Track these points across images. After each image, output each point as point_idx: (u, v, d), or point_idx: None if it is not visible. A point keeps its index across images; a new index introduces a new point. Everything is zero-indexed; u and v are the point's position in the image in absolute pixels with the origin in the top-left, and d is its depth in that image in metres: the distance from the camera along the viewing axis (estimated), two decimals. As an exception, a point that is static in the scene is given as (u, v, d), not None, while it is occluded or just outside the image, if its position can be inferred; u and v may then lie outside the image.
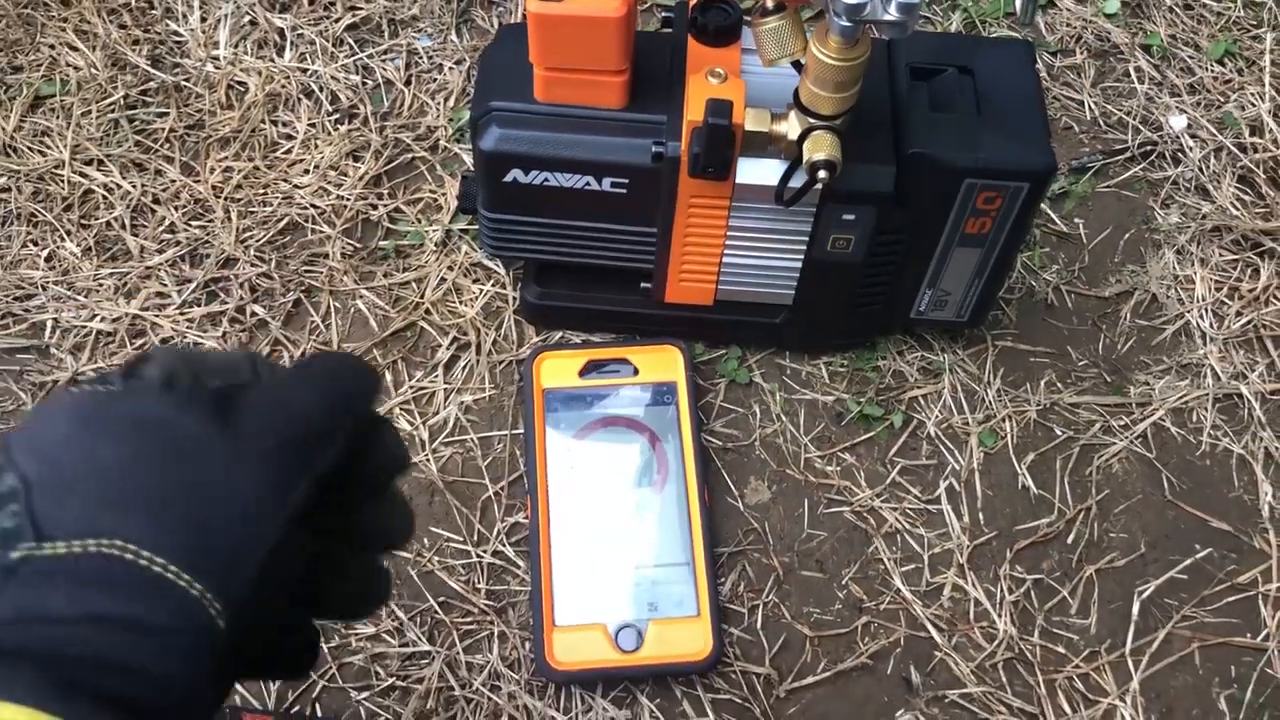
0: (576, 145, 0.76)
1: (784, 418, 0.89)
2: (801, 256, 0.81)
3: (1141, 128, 1.04)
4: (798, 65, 0.70)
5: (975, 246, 0.80)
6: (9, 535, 0.27)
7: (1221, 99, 1.06)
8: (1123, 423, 0.91)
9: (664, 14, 0.83)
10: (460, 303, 0.91)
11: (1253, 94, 1.06)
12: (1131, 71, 1.08)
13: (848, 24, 0.60)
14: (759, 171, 0.75)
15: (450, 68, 1.04)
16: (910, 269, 0.83)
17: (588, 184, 0.77)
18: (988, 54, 0.79)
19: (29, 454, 0.29)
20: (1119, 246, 0.99)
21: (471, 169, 0.88)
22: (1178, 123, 1.03)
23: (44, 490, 0.27)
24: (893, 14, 0.59)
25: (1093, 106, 1.06)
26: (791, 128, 0.72)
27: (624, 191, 0.78)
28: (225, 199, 0.95)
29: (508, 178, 0.78)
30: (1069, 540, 0.86)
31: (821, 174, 0.70)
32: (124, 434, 0.29)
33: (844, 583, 0.83)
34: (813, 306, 0.85)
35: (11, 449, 0.29)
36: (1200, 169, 1.02)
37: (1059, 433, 0.90)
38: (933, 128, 0.75)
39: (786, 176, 0.74)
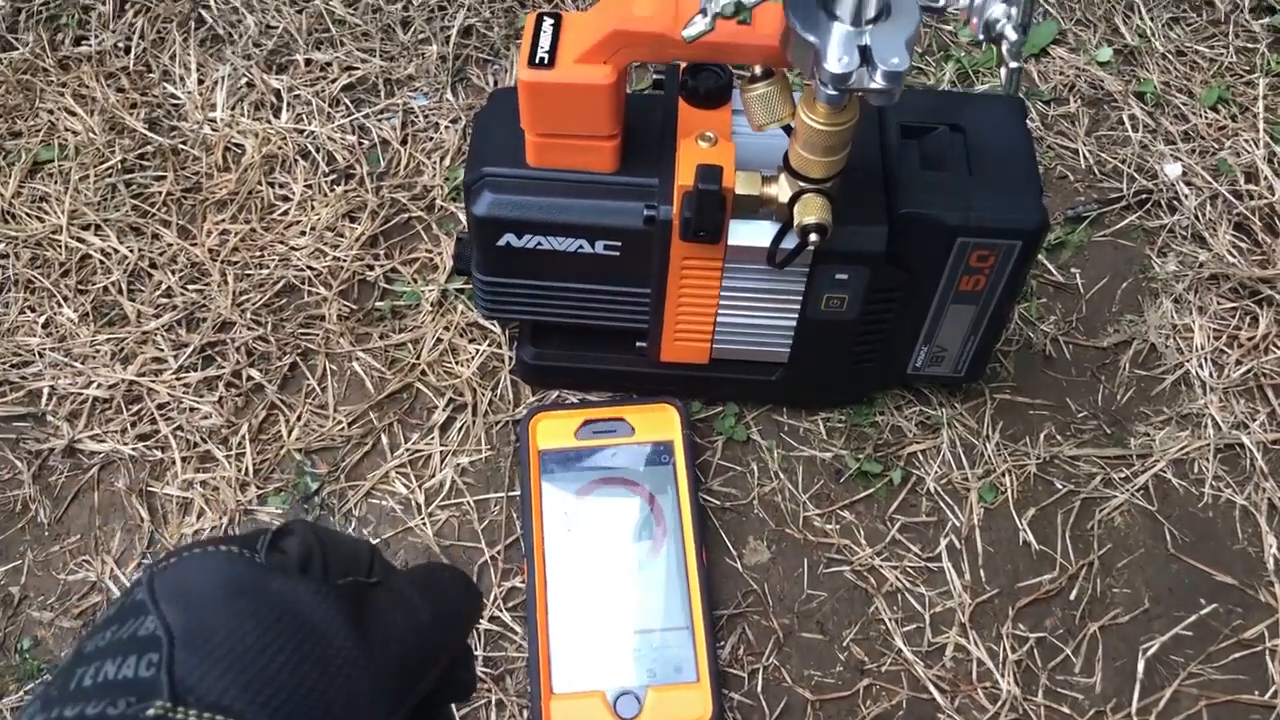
0: (569, 209, 0.76)
1: (782, 475, 0.88)
2: (796, 315, 0.80)
3: (1137, 176, 1.04)
4: (788, 129, 0.70)
5: (970, 303, 0.80)
6: (145, 687, 0.27)
7: (1216, 145, 1.06)
8: (1123, 475, 0.90)
9: (656, 74, 0.83)
10: (456, 363, 0.91)
11: (1247, 140, 1.06)
12: (1125, 119, 1.08)
13: (834, 93, 0.60)
14: (751, 233, 0.75)
15: (446, 126, 1.05)
16: (905, 326, 0.82)
17: (581, 247, 0.77)
18: (978, 111, 0.79)
19: (176, 604, 0.29)
20: (1116, 296, 0.99)
21: (466, 230, 0.88)
22: (1173, 170, 1.03)
23: (187, 649, 0.27)
24: (879, 82, 0.59)
25: (1087, 155, 1.06)
26: (782, 191, 0.72)
27: (617, 254, 0.78)
28: (222, 262, 0.95)
29: (501, 242, 0.78)
30: (1071, 596, 0.85)
31: (813, 237, 0.70)
32: (268, 617, 0.29)
33: (845, 644, 0.82)
34: (809, 364, 0.85)
35: (158, 591, 0.29)
36: (1196, 216, 1.02)
37: (1059, 486, 0.89)
38: (924, 187, 0.75)
39: (778, 238, 0.74)
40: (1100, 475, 0.90)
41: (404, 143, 1.04)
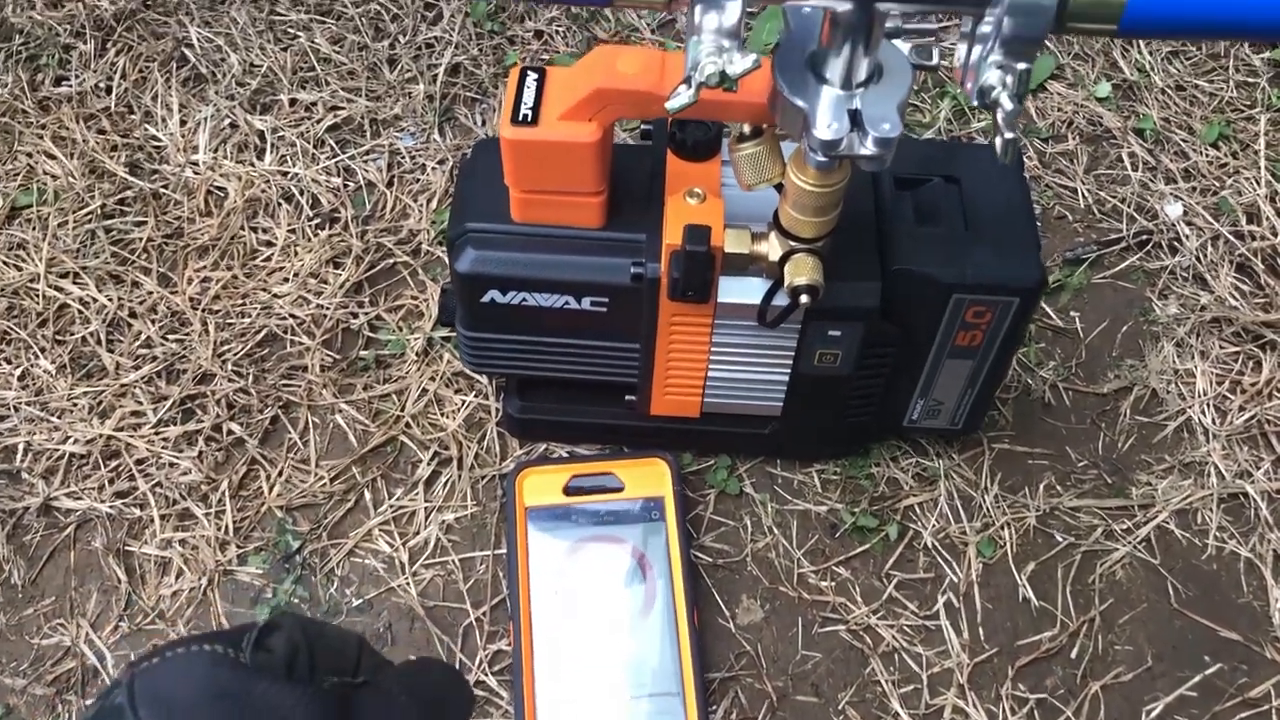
0: (554, 266, 0.74)
1: (776, 530, 0.86)
2: (788, 370, 0.78)
3: (1137, 216, 1.02)
4: (779, 186, 0.68)
5: (967, 358, 0.78)
6: None
7: (1217, 184, 1.04)
8: (1125, 526, 0.88)
9: (644, 125, 0.81)
10: (442, 415, 0.89)
11: (1248, 178, 1.04)
12: (1125, 157, 1.06)
13: (823, 160, 0.58)
14: (741, 290, 0.73)
15: (433, 168, 1.03)
16: (901, 380, 0.80)
17: (567, 303, 0.75)
18: (974, 162, 0.77)
19: (156, 711, 0.29)
20: (1117, 340, 0.97)
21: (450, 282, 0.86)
22: (1173, 210, 1.02)
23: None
24: (870, 148, 0.57)
25: (1086, 194, 1.04)
26: (773, 249, 0.70)
27: (604, 310, 0.76)
28: (203, 311, 0.93)
29: (485, 298, 0.76)
30: (1073, 655, 0.83)
31: (804, 299, 0.68)
32: None
33: (840, 707, 0.80)
34: (802, 417, 0.83)
35: (137, 692, 0.29)
36: (1198, 258, 1.00)
37: (1059, 539, 0.87)
38: (918, 242, 0.73)
39: (769, 297, 0.72)
40: (1101, 527, 0.88)
41: (390, 184, 1.02)
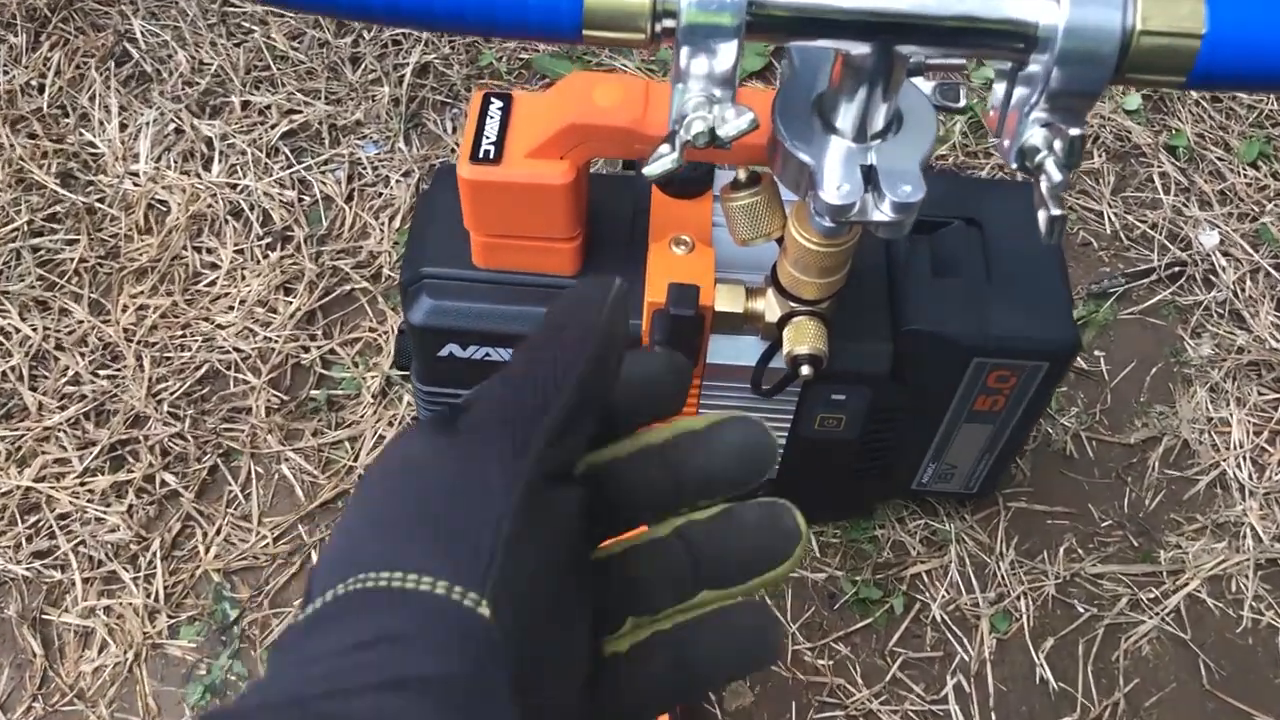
0: (522, 319, 0.65)
1: (769, 601, 0.78)
2: (785, 434, 0.70)
3: (1169, 245, 0.93)
4: (779, 239, 0.59)
5: (986, 423, 0.69)
6: (278, 642, 0.27)
7: (1256, 209, 0.95)
8: (1152, 595, 0.80)
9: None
10: (400, 466, 0.81)
11: (1291, 203, 0.95)
12: (1155, 177, 0.97)
13: (830, 225, 0.49)
14: (733, 351, 0.64)
15: (397, 180, 0.94)
16: (911, 444, 0.72)
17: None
18: (997, 201, 0.68)
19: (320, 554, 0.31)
20: (1145, 383, 0.88)
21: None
22: (1209, 240, 0.93)
23: (316, 569, 0.28)
24: (886, 213, 0.48)
25: (1113, 218, 0.95)
26: (770, 309, 0.61)
27: (578, 366, 0.67)
28: (138, 343, 0.84)
29: (443, 352, 0.67)
30: (1095, 743, 0.75)
31: (805, 370, 0.59)
32: (370, 488, 0.29)
33: (837, 807, 0.72)
34: (800, 481, 0.74)
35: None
36: (1235, 293, 0.91)
37: (1081, 610, 0.79)
38: (935, 297, 0.64)
39: (764, 361, 0.63)
40: (1126, 596, 0.80)
41: (349, 199, 0.93)
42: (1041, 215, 0.45)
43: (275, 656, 0.27)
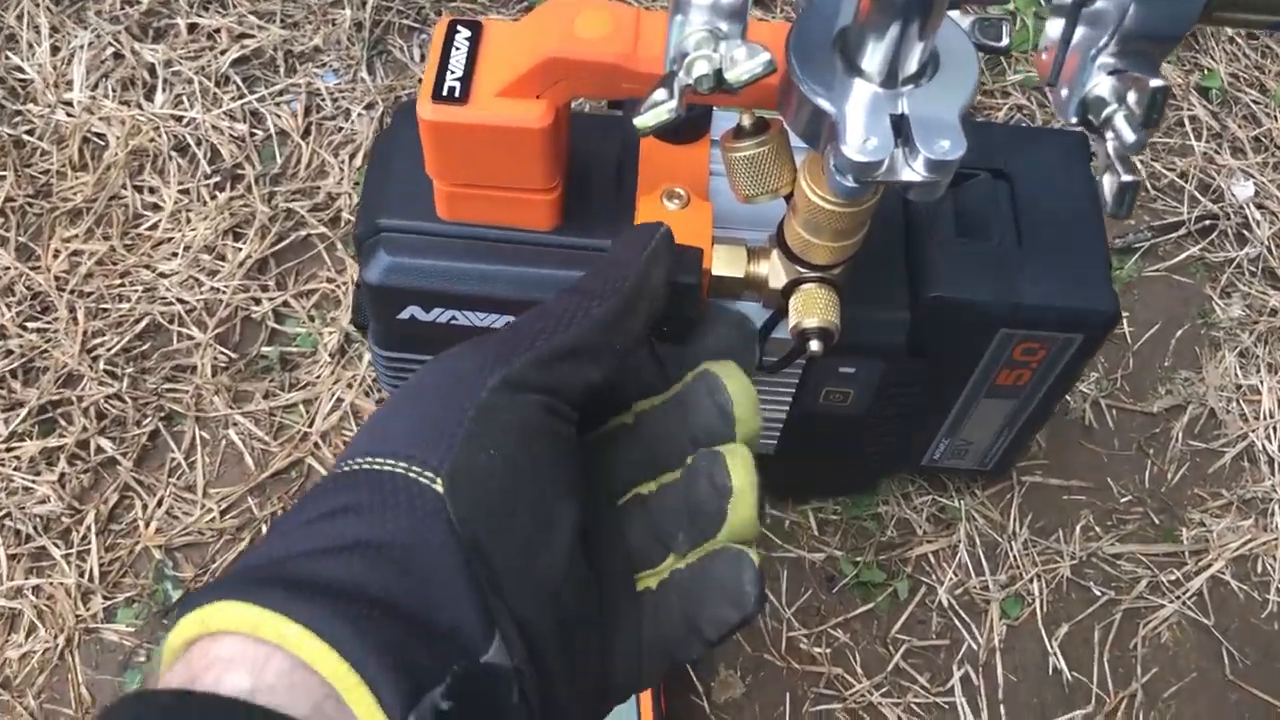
0: (492, 279, 0.57)
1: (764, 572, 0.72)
2: (786, 409, 0.63)
3: (1200, 196, 0.86)
4: (787, 196, 0.51)
5: (1008, 399, 0.63)
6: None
7: (1293, 157, 0.88)
8: (1173, 578, 0.74)
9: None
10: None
11: (1331, 151, 0.88)
12: (1186, 121, 0.89)
13: (853, 186, 0.42)
14: (731, 319, 0.56)
15: (359, 114, 0.85)
16: (924, 420, 0.65)
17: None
18: (1028, 151, 0.61)
19: None
20: (1170, 347, 0.81)
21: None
22: (1242, 191, 0.85)
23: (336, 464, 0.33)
24: (919, 172, 0.41)
25: (1140, 166, 0.87)
26: (775, 273, 0.53)
27: (556, 332, 0.59)
28: (71, 293, 0.76)
29: (404, 315, 0.59)
30: (1110, 738, 0.70)
31: (813, 346, 0.52)
32: (396, 394, 0.34)
33: (834, 810, 0.66)
34: (801, 457, 0.68)
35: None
36: (1269, 249, 0.84)
37: (1097, 593, 0.73)
38: (959, 260, 0.57)
39: (766, 331, 0.56)
40: (1146, 578, 0.74)
41: (306, 134, 0.84)
42: (1107, 181, 0.38)
43: (268, 531, 0.33)
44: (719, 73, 0.36)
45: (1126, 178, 0.37)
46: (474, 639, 0.30)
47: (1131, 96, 0.37)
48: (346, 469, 0.32)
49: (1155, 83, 0.36)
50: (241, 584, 0.28)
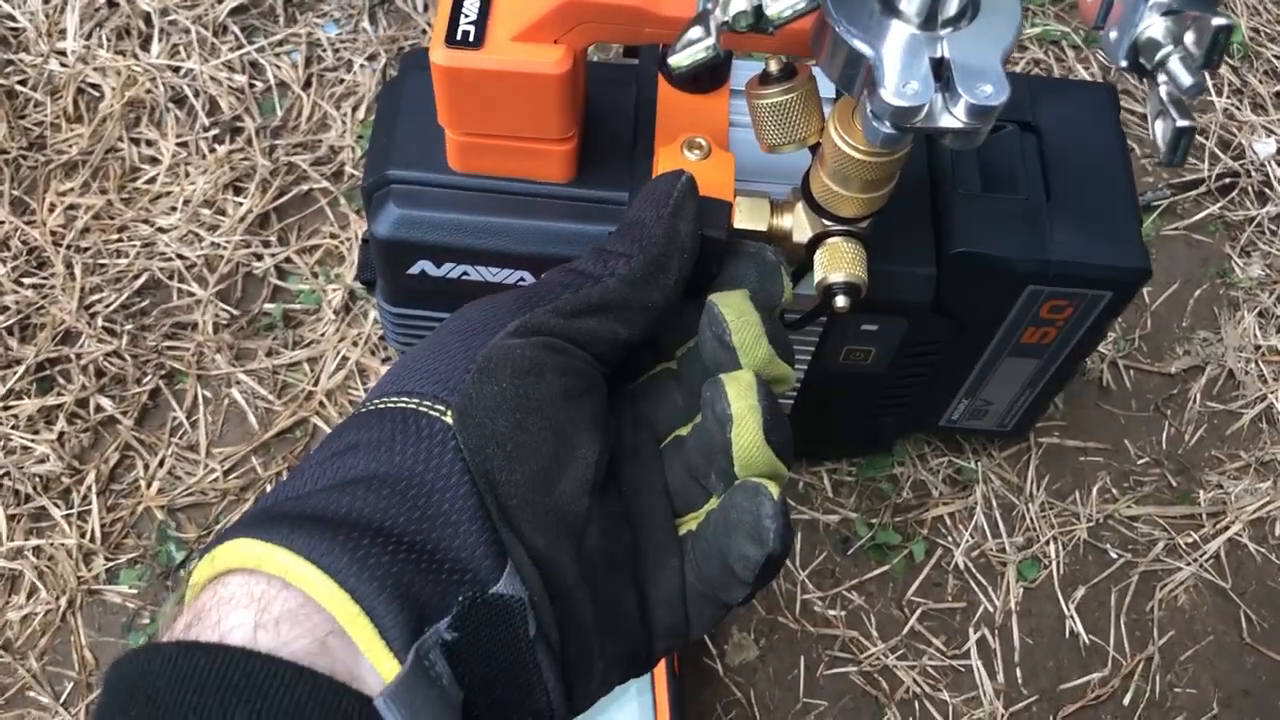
0: (505, 233, 0.56)
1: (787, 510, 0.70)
2: (805, 368, 0.62)
3: (1220, 153, 0.84)
4: (814, 146, 0.50)
5: (1032, 357, 0.61)
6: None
7: (1315, 114, 0.86)
8: (1191, 540, 0.73)
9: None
10: (365, 391, 0.72)
11: (1353, 108, 0.86)
12: (1206, 76, 0.87)
13: (891, 132, 0.40)
14: (751, 274, 0.55)
15: (361, 65, 0.83)
16: (945, 379, 0.64)
17: (522, 280, 0.57)
18: (1057, 102, 0.59)
19: None
20: (1188, 307, 0.80)
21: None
22: (1264, 149, 0.84)
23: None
24: (960, 118, 0.39)
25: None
26: (799, 226, 0.52)
27: (570, 288, 0.58)
28: (68, 248, 0.74)
29: (414, 269, 0.58)
30: (1125, 701, 0.69)
31: (839, 301, 0.50)
32: (425, 343, 0.35)
33: (849, 773, 0.66)
34: (818, 416, 0.66)
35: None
36: (1290, 208, 0.83)
37: (1114, 555, 0.72)
38: (986, 216, 0.56)
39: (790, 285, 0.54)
40: (1163, 540, 0.73)
41: (307, 86, 0.82)
42: (1160, 127, 0.37)
43: (288, 473, 0.33)
44: (758, 9, 0.35)
45: (1182, 123, 0.36)
46: (483, 570, 0.29)
47: (1189, 37, 0.35)
48: (363, 410, 0.32)
49: (1218, 20, 0.34)
50: (251, 523, 0.28)
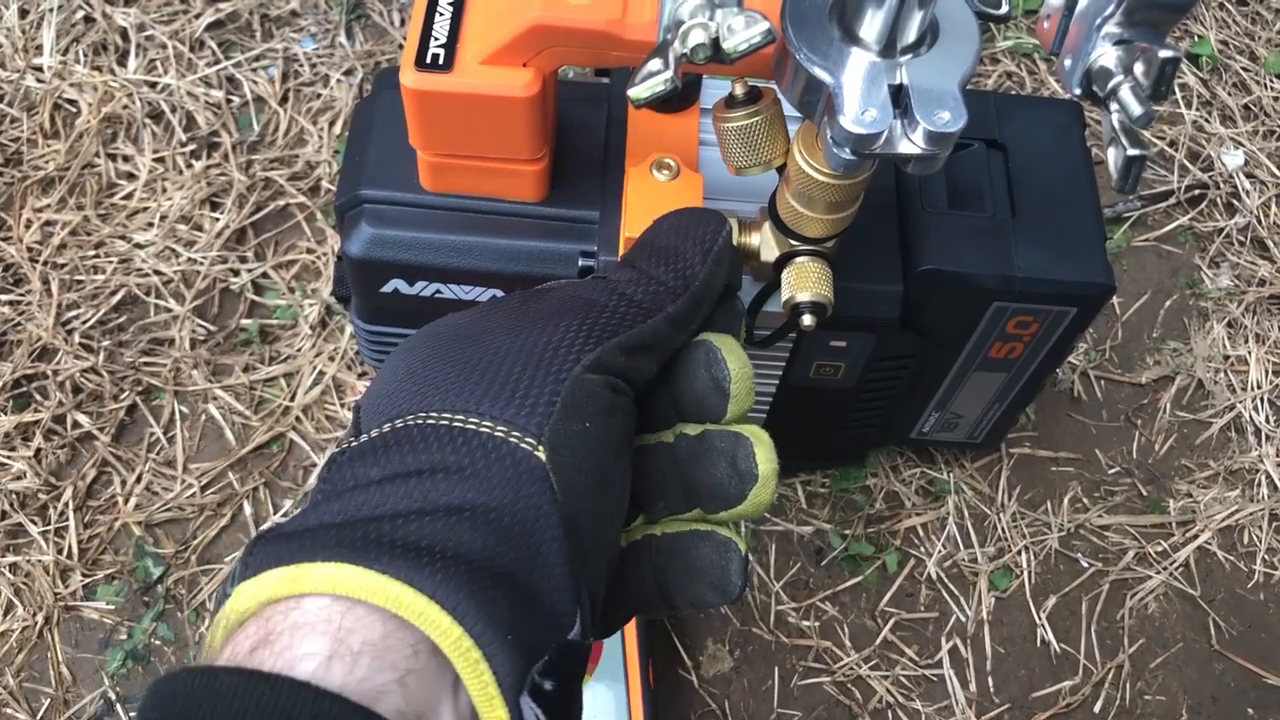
0: (477, 251, 0.56)
1: (750, 556, 0.71)
2: (775, 382, 0.62)
3: (1189, 165, 0.85)
4: (780, 168, 0.50)
5: (999, 371, 0.62)
6: (327, 466, 0.30)
7: (1283, 126, 0.87)
8: (1161, 548, 0.74)
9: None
10: (341, 406, 0.72)
11: (1320, 120, 0.87)
12: (1176, 89, 0.88)
13: (850, 158, 0.41)
14: (721, 292, 0.56)
15: (338, 80, 0.83)
16: (914, 393, 0.64)
17: (494, 298, 0.58)
18: (1023, 120, 0.60)
19: (366, 391, 0.34)
20: (1158, 317, 0.81)
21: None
22: (1232, 160, 0.85)
23: (363, 403, 0.32)
24: (919, 144, 0.40)
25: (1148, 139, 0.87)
26: (766, 246, 0.52)
27: (543, 305, 0.58)
28: (44, 264, 0.75)
29: (386, 288, 0.58)
30: (1096, 708, 0.70)
31: (806, 320, 0.51)
32: (420, 345, 0.34)
33: (822, 783, 0.66)
34: (788, 429, 0.67)
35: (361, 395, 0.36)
36: (1259, 219, 0.84)
37: (1085, 564, 0.73)
38: (952, 233, 0.56)
39: (757, 304, 0.55)
40: (1134, 549, 0.74)
41: (284, 101, 0.82)
42: (1113, 155, 0.37)
43: (322, 484, 0.29)
44: (716, 42, 0.35)
45: (1133, 151, 0.36)
46: (568, 615, 0.29)
47: (1139, 67, 0.36)
48: (421, 422, 0.30)
49: (1165, 53, 0.35)
50: (332, 543, 0.26)
